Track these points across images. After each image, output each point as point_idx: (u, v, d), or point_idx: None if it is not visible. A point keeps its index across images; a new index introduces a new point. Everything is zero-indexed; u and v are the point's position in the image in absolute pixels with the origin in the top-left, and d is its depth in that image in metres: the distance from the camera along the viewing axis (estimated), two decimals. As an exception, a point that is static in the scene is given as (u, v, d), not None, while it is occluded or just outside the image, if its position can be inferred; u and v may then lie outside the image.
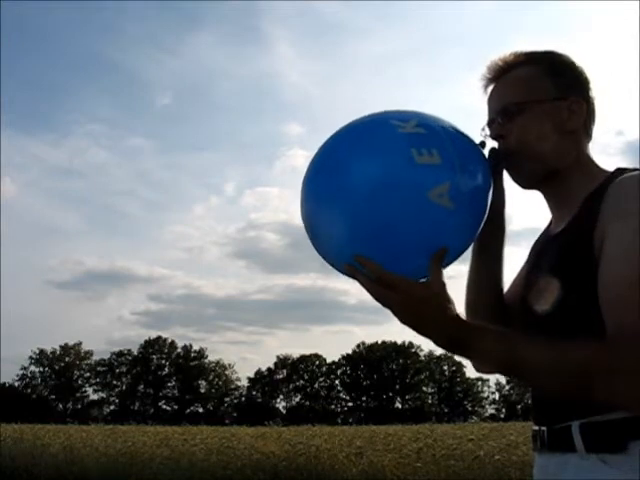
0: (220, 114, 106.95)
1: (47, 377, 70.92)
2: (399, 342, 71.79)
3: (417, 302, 1.07)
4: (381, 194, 1.08)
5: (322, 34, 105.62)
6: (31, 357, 71.40)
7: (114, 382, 72.15)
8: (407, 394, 70.72)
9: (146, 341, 73.48)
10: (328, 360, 73.21)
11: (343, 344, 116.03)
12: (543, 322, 1.19)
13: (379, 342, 72.80)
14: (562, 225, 1.22)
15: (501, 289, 1.40)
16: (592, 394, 1.01)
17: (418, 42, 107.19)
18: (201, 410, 70.78)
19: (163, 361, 73.45)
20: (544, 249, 1.28)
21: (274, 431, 15.29)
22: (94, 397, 71.71)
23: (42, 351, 71.55)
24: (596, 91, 1.27)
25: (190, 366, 71.98)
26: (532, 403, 1.27)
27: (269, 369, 73.21)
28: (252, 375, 73.33)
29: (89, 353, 72.97)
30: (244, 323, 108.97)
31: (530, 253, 1.37)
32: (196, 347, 75.00)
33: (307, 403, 70.63)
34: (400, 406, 69.41)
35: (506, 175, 1.29)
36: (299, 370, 72.26)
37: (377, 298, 1.09)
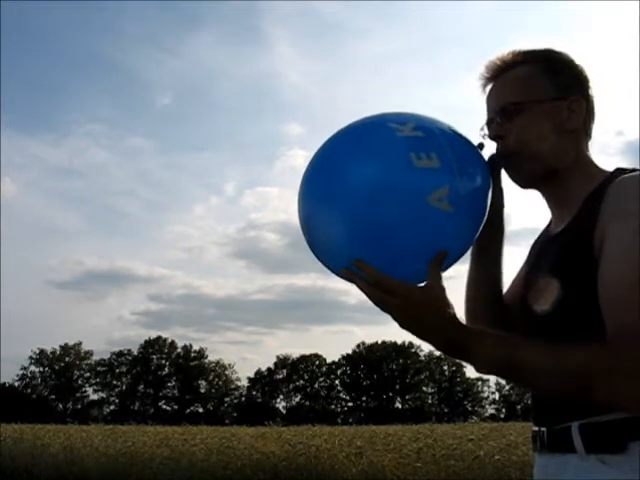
0: (220, 114, 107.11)
1: (47, 377, 70.94)
2: (399, 342, 71.87)
3: (416, 307, 1.07)
4: (380, 198, 1.07)
5: (322, 34, 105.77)
6: (31, 357, 71.54)
7: (114, 382, 72.16)
8: (407, 394, 70.71)
9: (146, 341, 73.55)
10: (328, 360, 73.35)
11: (343, 344, 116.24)
12: (543, 322, 1.19)
13: (379, 342, 72.86)
14: (562, 225, 1.22)
15: (500, 290, 1.40)
16: (592, 395, 1.01)
17: (418, 42, 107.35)
18: (201, 410, 70.78)
19: (163, 361, 73.46)
20: (544, 249, 1.27)
21: (274, 431, 15.27)
22: (94, 397, 71.87)
23: (42, 351, 71.62)
24: (596, 90, 1.26)
25: (190, 366, 71.99)
26: (532, 404, 1.27)
27: (269, 369, 73.25)
28: (252, 375, 73.47)
29: (89, 353, 73.09)
30: (244, 323, 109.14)
31: (530, 253, 1.37)
32: (196, 347, 75.16)
33: (307, 403, 70.62)
34: (400, 406, 69.41)
35: (505, 176, 1.29)
36: (299, 370, 72.25)
37: (376, 303, 1.09)
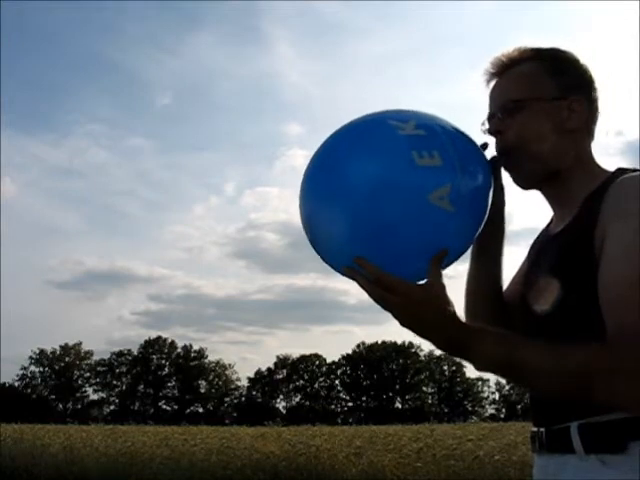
0: (220, 114, 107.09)
1: (47, 377, 70.93)
2: (399, 342, 71.85)
3: (416, 305, 1.06)
4: (381, 196, 1.07)
5: (322, 34, 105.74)
6: (31, 357, 71.52)
7: (114, 382, 72.15)
8: (407, 394, 70.71)
9: (146, 341, 73.54)
10: (328, 360, 73.33)
11: (343, 344, 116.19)
12: (543, 322, 1.19)
13: (379, 342, 72.85)
14: (562, 224, 1.22)
15: (500, 288, 1.39)
16: (592, 395, 1.01)
17: (418, 42, 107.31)
18: (201, 410, 70.78)
19: (163, 361, 73.45)
20: (544, 248, 1.27)
21: (274, 431, 15.27)
22: (94, 397, 71.85)
23: (42, 351, 71.61)
24: (600, 91, 1.26)
25: (190, 366, 71.98)
26: (530, 404, 1.27)
27: (269, 369, 73.25)
28: (252, 375, 73.45)
29: (89, 353, 73.06)
30: (244, 323, 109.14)
31: (530, 251, 1.37)
32: (196, 347, 75.12)
33: (307, 403, 70.61)
34: (400, 406, 69.40)
35: (506, 175, 1.29)
36: (299, 370, 72.25)
37: (376, 300, 1.09)
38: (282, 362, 73.15)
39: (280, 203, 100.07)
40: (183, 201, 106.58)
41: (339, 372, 72.72)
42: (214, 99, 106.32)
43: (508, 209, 1.34)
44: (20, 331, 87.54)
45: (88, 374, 72.23)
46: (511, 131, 1.22)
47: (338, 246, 1.13)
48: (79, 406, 69.58)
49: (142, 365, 71.26)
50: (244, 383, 73.43)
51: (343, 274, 1.14)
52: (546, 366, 1.04)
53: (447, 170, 1.10)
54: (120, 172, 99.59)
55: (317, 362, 73.22)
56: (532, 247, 1.37)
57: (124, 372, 72.34)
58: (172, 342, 73.98)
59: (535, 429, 1.23)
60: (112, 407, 70.60)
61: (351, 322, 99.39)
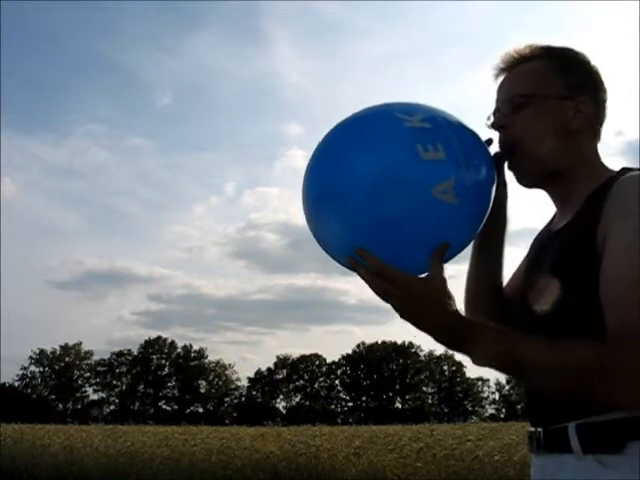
0: (220, 114, 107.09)
1: (47, 377, 70.92)
2: (399, 342, 71.86)
3: (417, 297, 1.06)
4: (385, 188, 1.07)
5: (322, 34, 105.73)
6: (31, 357, 71.50)
7: (114, 382, 72.14)
8: (407, 394, 70.69)
9: (146, 341, 73.52)
10: (328, 360, 73.30)
11: (343, 344, 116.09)
12: (543, 322, 1.19)
13: (379, 342, 72.83)
14: (565, 221, 1.22)
15: (500, 284, 1.39)
16: (592, 392, 1.02)
17: (418, 42, 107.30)
18: (201, 410, 70.77)
19: (163, 361, 73.44)
20: (545, 245, 1.27)
21: (274, 431, 15.27)
22: (94, 397, 71.83)
23: (42, 351, 71.59)
24: (608, 92, 1.26)
25: (190, 366, 71.97)
26: (528, 404, 1.27)
27: (269, 369, 73.24)
28: (252, 375, 73.43)
29: (89, 353, 73.04)
30: (244, 323, 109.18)
31: (531, 248, 1.36)
32: (196, 347, 75.09)
33: (307, 403, 70.60)
34: (400, 406, 69.39)
35: (509, 172, 1.29)
36: (299, 370, 72.24)
37: (377, 292, 1.09)
38: (282, 362, 73.15)
39: (280, 203, 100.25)
40: (183, 201, 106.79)
41: (339, 372, 72.72)
42: (214, 99, 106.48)
43: (510, 205, 1.33)
44: (20, 331, 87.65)
45: (88, 374, 72.27)
46: (515, 127, 1.23)
47: (340, 238, 1.13)
48: (79, 406, 69.57)
49: (142, 365, 71.24)
50: (244, 383, 73.56)
51: (345, 265, 1.14)
52: (546, 362, 1.04)
53: (451, 163, 1.10)
54: (120, 172, 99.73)
55: (317, 362, 73.22)
56: (533, 244, 1.36)
57: (124, 372, 72.32)
58: (172, 342, 74.06)
59: (532, 429, 1.23)
60: (112, 407, 70.64)
61: (351, 322, 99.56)
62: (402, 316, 1.08)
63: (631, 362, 0.98)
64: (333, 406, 71.73)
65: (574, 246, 1.14)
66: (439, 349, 71.93)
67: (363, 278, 1.09)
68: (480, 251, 1.36)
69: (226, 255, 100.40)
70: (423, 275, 1.10)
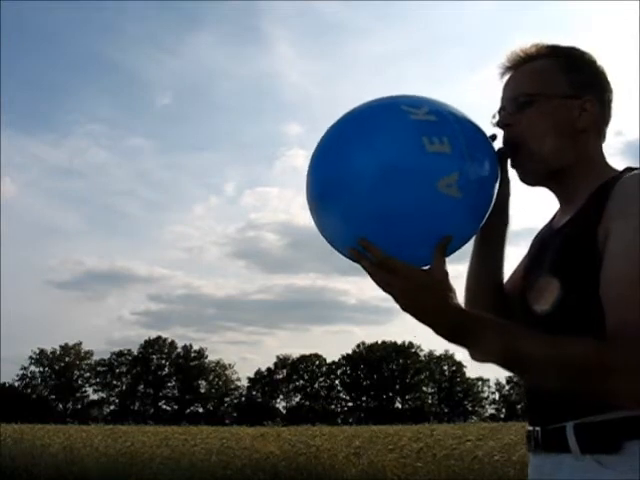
0: (220, 114, 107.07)
1: (47, 377, 70.91)
2: (399, 342, 71.89)
3: (418, 289, 1.06)
4: (390, 180, 1.07)
5: (322, 34, 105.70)
6: (31, 357, 71.48)
7: (114, 382, 72.13)
8: (407, 394, 70.69)
9: (146, 341, 73.52)
10: (328, 360, 73.30)
11: (343, 344, 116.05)
12: (543, 322, 1.19)
13: (379, 342, 72.83)
14: (566, 219, 1.22)
15: (501, 282, 1.39)
16: (591, 391, 1.02)
17: (418, 42, 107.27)
18: (201, 410, 70.77)
19: (163, 361, 73.43)
20: (546, 243, 1.27)
21: (274, 431, 15.27)
22: (94, 397, 71.82)
23: (42, 351, 71.59)
24: (614, 92, 1.26)
25: (190, 366, 71.97)
26: (527, 403, 1.27)
27: (269, 369, 73.23)
28: (252, 375, 73.42)
29: (89, 353, 73.04)
30: (244, 323, 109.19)
31: (532, 246, 1.36)
32: (196, 347, 75.08)
33: (307, 403, 70.60)
34: (400, 406, 69.39)
35: (512, 170, 1.28)
36: (299, 370, 72.24)
37: (379, 283, 1.09)
38: (282, 362, 73.16)
39: (280, 203, 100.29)
40: (183, 201, 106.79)
41: (339, 372, 72.72)
42: (214, 99, 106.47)
43: (512, 202, 1.33)
44: (20, 331, 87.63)
45: (88, 374, 72.27)
46: (519, 126, 1.23)
47: (344, 229, 1.13)
48: (79, 406, 69.56)
49: (142, 365, 71.24)
50: (244, 383, 73.57)
51: (348, 257, 1.14)
52: (545, 357, 1.03)
53: (456, 157, 1.10)
54: (120, 172, 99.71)
55: (317, 362, 73.21)
56: (534, 242, 1.36)
57: (124, 372, 72.32)
58: (172, 342, 74.06)
59: (531, 428, 1.23)
60: (112, 407, 70.63)
61: (351, 322, 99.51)
62: (403, 308, 1.08)
63: (630, 360, 0.98)
64: (333, 406, 71.73)
65: (575, 245, 1.14)
66: (439, 349, 72.06)
67: (365, 269, 1.09)
68: (481, 248, 1.36)
69: (226, 255, 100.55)
70: (425, 267, 1.10)
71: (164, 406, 71.71)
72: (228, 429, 20.13)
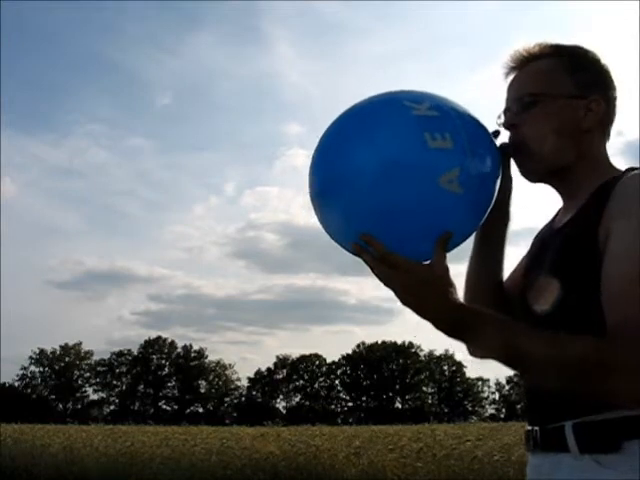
0: (220, 114, 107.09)
1: (47, 377, 70.91)
2: (399, 342, 71.89)
3: (419, 284, 1.06)
4: (392, 176, 1.07)
5: (322, 34, 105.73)
6: (31, 357, 71.49)
7: (114, 382, 72.13)
8: (407, 394, 70.69)
9: (146, 341, 73.51)
10: (328, 360, 73.29)
11: (343, 344, 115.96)
12: (543, 322, 1.18)
13: (379, 342, 72.83)
14: (567, 218, 1.22)
15: (501, 280, 1.39)
16: (591, 390, 1.02)
17: (418, 42, 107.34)
18: (201, 410, 70.77)
19: (163, 361, 73.43)
20: (547, 242, 1.27)
21: (274, 431, 15.28)
22: (94, 397, 71.83)
23: (42, 351, 71.59)
24: (619, 91, 1.26)
25: (190, 366, 71.97)
26: (526, 402, 1.27)
27: (269, 369, 73.23)
28: (252, 375, 73.42)
29: (89, 353, 73.05)
30: (244, 323, 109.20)
31: (532, 245, 1.36)
32: (196, 347, 75.07)
33: (307, 403, 70.60)
34: (400, 406, 69.38)
35: (514, 167, 1.28)
36: (299, 370, 72.24)
37: (380, 277, 1.09)
38: (282, 362, 73.15)
39: (280, 203, 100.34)
40: (183, 201, 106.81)
41: (339, 372, 72.71)
42: (214, 99, 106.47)
43: (514, 199, 1.33)
44: (20, 331, 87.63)
45: (88, 374, 72.26)
46: (525, 126, 1.22)
47: (346, 226, 1.14)
48: (79, 406, 69.56)
49: (142, 365, 71.24)
50: (244, 383, 73.56)
51: (350, 251, 1.14)
52: (545, 353, 1.04)
53: (457, 153, 1.10)
54: (120, 172, 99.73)
55: (317, 362, 73.21)
56: (534, 241, 1.36)
57: (124, 372, 72.32)
58: (172, 342, 74.07)
59: (530, 428, 1.23)
60: (112, 407, 70.65)
61: (351, 322, 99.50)
62: (403, 302, 1.09)
63: (630, 359, 0.98)
64: (333, 406, 71.72)
65: (575, 244, 1.14)
66: (439, 349, 72.04)
67: (367, 263, 1.10)
68: (481, 246, 1.36)
69: (226, 255, 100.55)
70: (426, 262, 1.10)
71: (164, 406, 71.75)
72: (228, 429, 20.13)
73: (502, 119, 1.27)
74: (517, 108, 1.24)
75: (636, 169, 1.18)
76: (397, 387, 70.69)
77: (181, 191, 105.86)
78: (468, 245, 1.28)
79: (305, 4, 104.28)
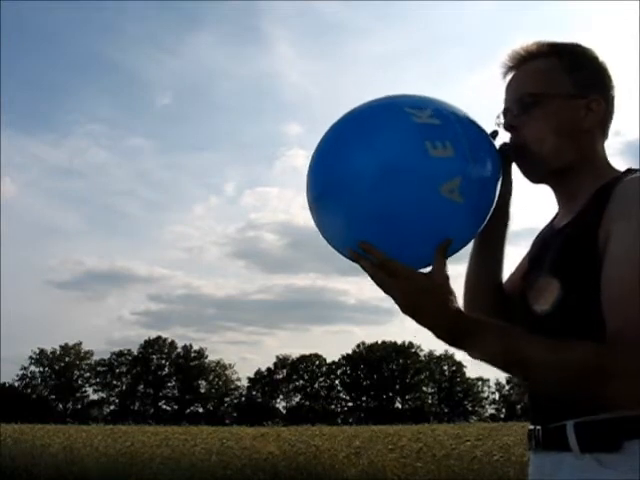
0: (220, 114, 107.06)
1: (47, 377, 70.89)
2: (399, 342, 71.87)
3: (419, 292, 1.07)
4: (392, 182, 1.07)
5: (322, 34, 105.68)
6: (31, 357, 71.48)
7: (114, 382, 72.12)
8: (407, 394, 70.67)
9: (146, 341, 73.50)
10: (328, 360, 73.29)
11: (343, 344, 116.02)
12: (543, 322, 1.19)
13: (379, 342, 72.81)
14: (567, 219, 1.22)
15: (500, 282, 1.39)
16: (590, 392, 1.02)
17: (418, 42, 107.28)
18: (201, 410, 70.76)
19: (163, 361, 73.41)
20: (547, 243, 1.27)
21: (274, 431, 15.28)
22: (94, 397, 71.82)
23: (42, 351, 71.57)
24: (617, 89, 1.25)
25: (190, 366, 71.96)
26: (528, 402, 1.27)
27: (269, 369, 73.21)
28: (252, 375, 73.41)
29: (89, 353, 73.04)
30: (244, 323, 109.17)
31: (532, 246, 1.36)
32: (196, 347, 75.06)
33: (307, 403, 70.59)
34: (400, 406, 69.37)
35: (515, 168, 1.28)
36: (299, 370, 72.22)
37: (379, 285, 1.09)
38: (282, 362, 73.14)
39: (280, 203, 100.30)
40: (183, 201, 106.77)
41: (339, 372, 72.70)
42: (214, 99, 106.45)
43: (513, 201, 1.33)
44: (20, 331, 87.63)
45: (88, 374, 72.26)
46: (526, 128, 1.22)
47: (344, 232, 1.13)
48: (79, 406, 69.55)
49: (142, 365, 71.22)
50: (244, 383, 73.56)
51: (346, 257, 1.14)
52: (545, 360, 1.04)
53: (459, 162, 1.10)
54: (120, 172, 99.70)
55: (317, 362, 73.20)
56: (534, 242, 1.36)
57: (124, 372, 72.30)
58: (172, 342, 74.05)
59: (532, 427, 1.23)
60: (112, 407, 70.63)
61: (351, 322, 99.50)
62: (403, 310, 1.09)
63: (630, 365, 0.98)
64: (333, 406, 71.71)
65: (575, 245, 1.14)
66: (439, 349, 72.04)
67: (366, 271, 1.09)
68: (481, 248, 1.36)
69: (226, 255, 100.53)
70: (426, 270, 1.10)
71: (164, 406, 71.74)
72: (228, 429, 20.13)
73: (501, 119, 1.27)
74: (517, 109, 1.23)
75: (635, 170, 1.18)
76: (397, 387, 70.67)
77: (181, 191, 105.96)
78: (468, 246, 1.28)
79: (305, 4, 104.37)
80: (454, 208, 1.09)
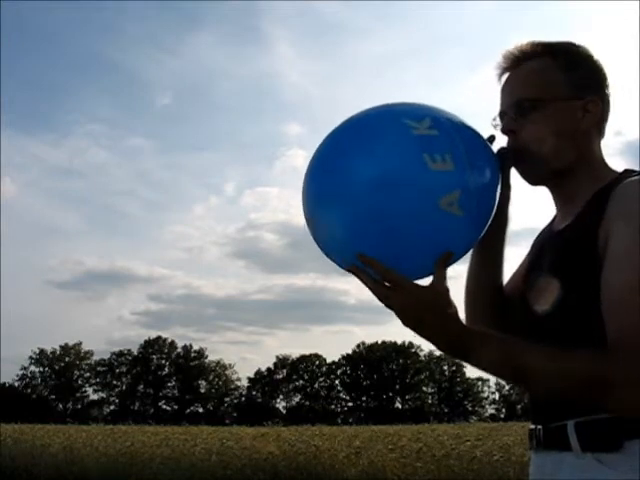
0: (220, 114, 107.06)
1: (47, 377, 70.90)
2: (399, 342, 71.83)
3: (419, 305, 1.07)
4: (391, 197, 1.06)
5: (322, 34, 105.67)
6: (31, 357, 71.50)
7: (114, 382, 72.12)
8: (407, 394, 70.68)
9: (146, 341, 73.50)
10: (328, 360, 73.30)
11: (343, 344, 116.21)
12: (543, 322, 1.19)
13: (379, 342, 72.81)
14: (567, 221, 1.22)
15: (501, 285, 1.39)
16: (593, 401, 1.03)
17: (418, 42, 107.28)
18: (201, 410, 70.77)
19: (163, 361, 73.42)
20: (547, 245, 1.27)
21: (274, 431, 15.28)
22: (94, 397, 71.84)
23: (42, 351, 71.58)
24: (613, 87, 1.25)
25: (190, 366, 71.96)
26: (529, 402, 1.27)
27: (269, 369, 73.21)
28: (252, 375, 73.42)
29: (89, 353, 73.05)
30: (244, 323, 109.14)
31: (532, 247, 1.36)
32: (196, 347, 75.09)
33: (307, 403, 70.59)
34: (400, 406, 69.38)
35: (514, 172, 1.27)
36: (299, 370, 72.22)
37: (380, 298, 1.09)
38: (282, 362, 73.13)
39: (280, 203, 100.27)
40: (183, 201, 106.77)
41: (339, 372, 72.70)
42: (214, 99, 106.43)
43: (512, 206, 1.32)
44: (20, 331, 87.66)
45: (88, 374, 72.27)
46: (524, 132, 1.21)
47: (342, 245, 1.13)
48: (79, 406, 69.55)
49: (142, 365, 71.22)
50: (244, 383, 73.57)
51: (347, 270, 1.13)
52: (546, 371, 1.04)
53: (458, 174, 1.09)
54: (120, 172, 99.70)
55: (317, 362, 73.19)
56: (534, 244, 1.36)
57: (124, 372, 72.30)
58: (172, 342, 74.05)
59: (533, 426, 1.23)
60: (112, 407, 70.63)
61: (351, 322, 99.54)
62: (404, 323, 1.09)
63: (631, 372, 0.98)
64: (333, 406, 71.71)
65: (575, 247, 1.14)
66: (439, 349, 71.82)
67: (365, 284, 1.10)
68: (481, 251, 1.36)
69: (226, 255, 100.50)
70: (426, 283, 1.10)
71: (164, 406, 71.75)
72: (228, 429, 20.13)
73: (497, 121, 1.26)
74: (514, 113, 1.22)
75: (633, 171, 1.18)
76: (397, 387, 70.68)
77: (181, 191, 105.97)
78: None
79: (305, 4, 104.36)
80: (453, 221, 1.09)
